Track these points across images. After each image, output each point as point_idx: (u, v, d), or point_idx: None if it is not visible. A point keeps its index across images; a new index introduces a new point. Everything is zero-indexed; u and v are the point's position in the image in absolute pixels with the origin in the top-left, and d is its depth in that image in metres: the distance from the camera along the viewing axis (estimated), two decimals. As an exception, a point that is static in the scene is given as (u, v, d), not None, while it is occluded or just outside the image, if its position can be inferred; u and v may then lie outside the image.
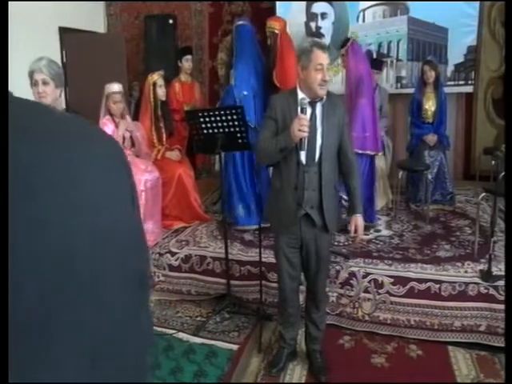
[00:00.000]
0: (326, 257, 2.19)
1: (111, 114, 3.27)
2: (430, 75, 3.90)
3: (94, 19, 5.49)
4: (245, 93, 3.35)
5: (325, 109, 2.03)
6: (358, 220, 2.10)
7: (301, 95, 2.01)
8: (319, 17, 5.08)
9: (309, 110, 1.99)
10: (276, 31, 3.46)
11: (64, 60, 4.91)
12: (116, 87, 3.25)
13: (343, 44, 3.48)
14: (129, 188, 0.44)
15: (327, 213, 2.05)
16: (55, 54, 4.78)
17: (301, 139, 1.91)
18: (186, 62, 4.50)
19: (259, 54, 3.58)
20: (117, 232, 0.40)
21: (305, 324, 2.32)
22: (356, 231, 2.11)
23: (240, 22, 3.54)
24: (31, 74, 2.25)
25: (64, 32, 4.86)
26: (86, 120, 0.44)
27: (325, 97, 2.02)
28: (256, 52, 3.54)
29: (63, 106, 2.49)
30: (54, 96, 2.26)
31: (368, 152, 3.35)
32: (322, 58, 1.96)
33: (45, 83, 2.24)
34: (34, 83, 2.24)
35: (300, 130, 1.87)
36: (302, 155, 2.01)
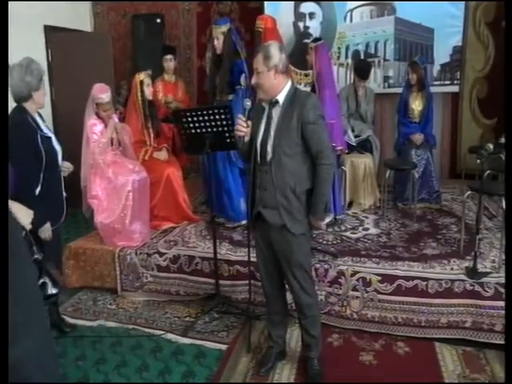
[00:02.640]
0: (297, 260, 2.06)
1: (98, 115, 3.22)
2: (412, 77, 4.00)
3: (80, 18, 5.43)
4: None
5: (283, 109, 1.99)
6: (311, 220, 2.06)
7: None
8: (307, 17, 5.11)
9: (266, 111, 2.05)
10: (260, 30, 3.48)
11: (49, 59, 4.85)
12: (105, 97, 3.13)
13: (315, 40, 3.64)
14: None
15: (282, 211, 2.00)
16: (40, 53, 4.72)
17: (241, 138, 2.07)
18: (166, 62, 4.45)
19: None
20: None
21: None
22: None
23: None
24: (42, 77, 2.40)
25: (50, 31, 4.80)
26: None
27: (279, 99, 1.99)
28: None
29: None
30: None
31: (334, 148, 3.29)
32: (254, 62, 1.99)
33: None
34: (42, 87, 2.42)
35: (237, 130, 2.06)
36: (258, 155, 2.05)
